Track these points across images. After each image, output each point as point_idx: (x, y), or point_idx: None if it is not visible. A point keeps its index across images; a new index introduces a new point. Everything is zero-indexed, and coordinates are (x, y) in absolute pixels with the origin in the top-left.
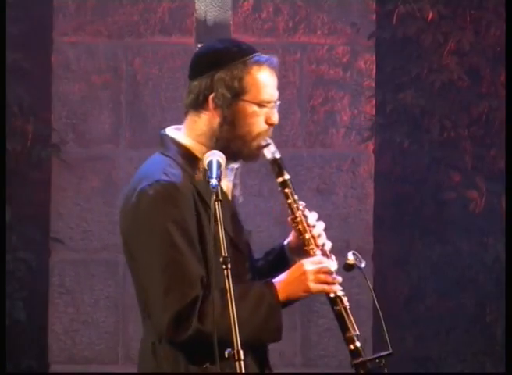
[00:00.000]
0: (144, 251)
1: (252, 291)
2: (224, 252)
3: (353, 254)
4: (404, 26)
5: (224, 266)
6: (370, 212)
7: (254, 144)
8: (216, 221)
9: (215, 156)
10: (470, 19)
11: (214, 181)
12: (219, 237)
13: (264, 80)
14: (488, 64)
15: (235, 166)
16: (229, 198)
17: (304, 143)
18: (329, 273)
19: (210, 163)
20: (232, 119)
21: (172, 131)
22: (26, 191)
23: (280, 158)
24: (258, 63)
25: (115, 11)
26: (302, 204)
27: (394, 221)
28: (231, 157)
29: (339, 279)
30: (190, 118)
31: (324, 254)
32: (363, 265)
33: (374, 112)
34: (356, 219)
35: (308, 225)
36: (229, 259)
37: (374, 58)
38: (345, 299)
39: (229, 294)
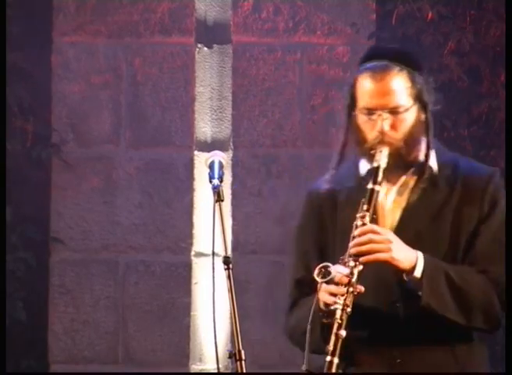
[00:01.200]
0: None
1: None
2: (225, 252)
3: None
4: (404, 26)
5: (225, 266)
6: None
7: (363, 151)
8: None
9: (217, 157)
10: (470, 19)
11: (216, 182)
12: (222, 236)
13: (363, 87)
14: (488, 64)
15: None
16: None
17: (303, 143)
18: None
19: (212, 164)
20: (350, 127)
21: None
22: (26, 191)
23: (378, 168)
24: (363, 70)
25: (115, 11)
26: (366, 215)
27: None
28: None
29: (341, 290)
30: None
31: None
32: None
33: None
34: None
35: (353, 237)
36: (230, 259)
37: None
38: (337, 313)
39: (229, 295)
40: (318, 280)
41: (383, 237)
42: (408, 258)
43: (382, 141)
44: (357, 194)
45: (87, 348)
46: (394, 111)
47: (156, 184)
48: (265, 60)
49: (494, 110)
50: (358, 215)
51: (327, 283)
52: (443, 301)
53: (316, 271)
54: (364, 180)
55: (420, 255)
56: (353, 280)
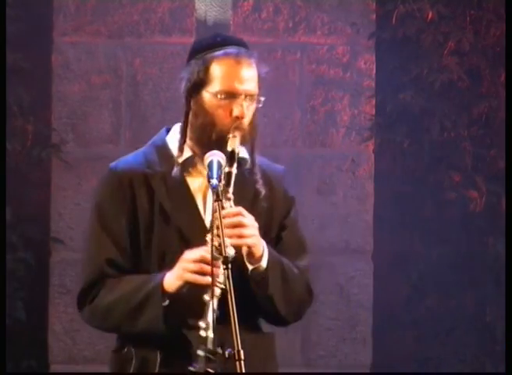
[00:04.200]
0: None
1: (145, 276)
2: (224, 252)
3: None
4: (404, 26)
5: (224, 266)
6: (370, 212)
7: (214, 135)
8: (214, 220)
9: (216, 156)
10: (470, 19)
11: (214, 181)
12: (221, 236)
13: (225, 71)
14: (488, 64)
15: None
16: (196, 194)
17: (303, 143)
18: (205, 261)
19: (210, 163)
20: (194, 109)
21: (175, 125)
22: (26, 191)
23: (234, 152)
24: (223, 55)
25: (115, 11)
26: (229, 196)
27: (394, 221)
28: (198, 149)
29: (217, 270)
30: None
31: (220, 245)
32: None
33: (374, 112)
34: (356, 219)
35: (219, 216)
36: (229, 259)
37: (374, 58)
38: (215, 290)
39: (229, 295)
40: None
41: (251, 221)
42: (260, 245)
43: (237, 126)
44: (174, 180)
45: (87, 348)
46: (252, 97)
47: None
48: (265, 60)
49: (494, 110)
50: (220, 198)
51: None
52: (279, 292)
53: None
54: (183, 166)
55: (264, 243)
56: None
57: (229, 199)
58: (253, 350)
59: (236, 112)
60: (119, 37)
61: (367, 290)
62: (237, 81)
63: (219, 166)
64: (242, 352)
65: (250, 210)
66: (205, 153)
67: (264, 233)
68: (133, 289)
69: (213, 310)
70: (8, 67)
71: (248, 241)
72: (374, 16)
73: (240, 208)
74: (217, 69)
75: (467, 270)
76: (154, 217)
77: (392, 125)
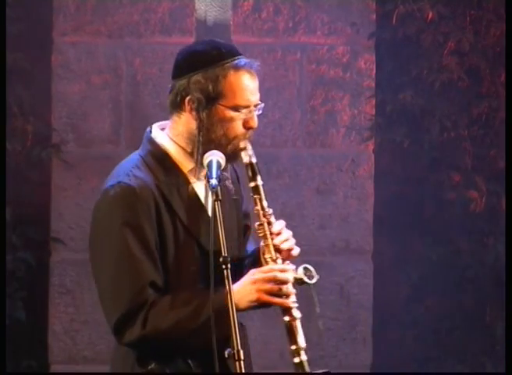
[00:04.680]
0: (97, 250)
1: (199, 296)
2: (224, 252)
3: (304, 268)
4: (404, 26)
5: (224, 266)
6: (370, 212)
7: (230, 147)
8: (216, 221)
9: (215, 156)
10: (470, 19)
11: (214, 181)
12: (219, 236)
13: (241, 85)
14: (488, 64)
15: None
16: (203, 200)
17: (303, 143)
18: (280, 283)
19: (210, 163)
20: (207, 123)
21: (155, 129)
22: (26, 191)
23: (256, 163)
24: (236, 68)
25: (115, 11)
26: (269, 211)
27: (394, 221)
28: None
29: (291, 290)
30: (172, 117)
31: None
32: (313, 280)
33: (374, 112)
34: (356, 219)
35: (271, 233)
36: (228, 259)
37: (374, 58)
38: (296, 311)
39: (229, 296)
40: (309, 281)
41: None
42: None
43: (248, 137)
44: (184, 190)
45: (87, 348)
46: (257, 108)
47: None
48: (265, 60)
49: (494, 110)
50: (264, 212)
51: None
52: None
53: (301, 271)
54: (194, 174)
55: None
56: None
57: (271, 214)
58: (244, 339)
59: (251, 123)
60: (119, 37)
61: (367, 290)
62: (250, 93)
63: (219, 165)
64: (242, 352)
65: (231, 208)
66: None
67: (238, 226)
68: (193, 311)
69: (297, 333)
70: (8, 67)
71: (298, 250)
72: (374, 16)
73: (283, 222)
74: (231, 83)
75: (467, 270)
76: (174, 227)
77: (392, 125)
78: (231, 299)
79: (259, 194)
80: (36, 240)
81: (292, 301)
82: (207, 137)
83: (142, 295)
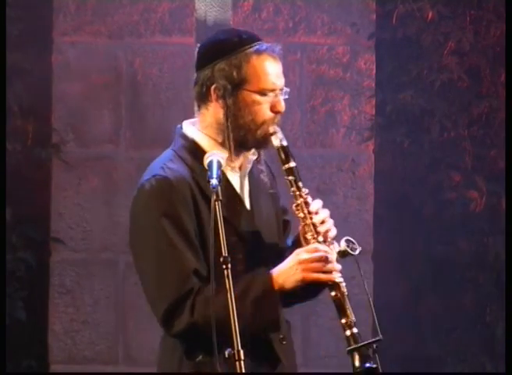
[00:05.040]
0: (139, 245)
1: (245, 278)
2: (224, 252)
3: (346, 240)
4: (404, 26)
5: (224, 266)
6: (370, 212)
7: (259, 132)
8: (216, 221)
9: (215, 156)
10: (470, 19)
11: (214, 181)
12: (219, 236)
13: (264, 69)
14: (488, 64)
15: (252, 157)
16: (239, 191)
17: (303, 143)
18: (325, 261)
19: (210, 163)
20: (234, 110)
21: (185, 125)
22: (26, 191)
23: (287, 146)
24: (258, 52)
25: (115, 11)
26: (305, 191)
27: (394, 221)
28: (240, 147)
29: (337, 267)
30: (200, 110)
31: (324, 241)
32: (357, 252)
33: (374, 112)
34: (356, 219)
35: (310, 212)
36: (229, 259)
37: (374, 58)
38: (343, 285)
39: (229, 294)
40: (353, 253)
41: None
42: None
43: (275, 121)
44: (222, 181)
45: (87, 348)
46: (283, 90)
47: None
48: None
49: (494, 110)
50: (300, 193)
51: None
52: None
53: (343, 244)
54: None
55: None
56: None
57: (307, 194)
58: (289, 333)
59: (278, 107)
60: (119, 37)
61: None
62: (275, 77)
63: (219, 165)
64: (242, 352)
65: (268, 201)
66: (243, 150)
67: (277, 220)
68: (240, 294)
69: (347, 307)
70: (8, 67)
71: (335, 230)
72: (374, 16)
73: (320, 201)
74: (255, 68)
75: (467, 270)
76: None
77: (392, 125)
78: (231, 299)
79: (294, 175)
80: (36, 240)
81: (338, 276)
82: (235, 124)
83: (187, 284)
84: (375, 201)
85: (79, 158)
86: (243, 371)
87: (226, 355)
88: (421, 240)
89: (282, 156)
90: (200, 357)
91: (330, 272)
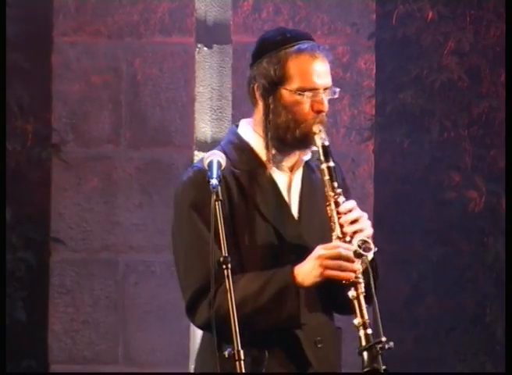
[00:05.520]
0: (173, 233)
1: (266, 273)
2: (224, 252)
3: (360, 240)
4: (404, 26)
5: (224, 266)
6: (370, 212)
7: (299, 131)
8: (216, 221)
9: (215, 156)
10: (470, 19)
11: (214, 181)
12: (219, 236)
13: (303, 68)
14: (488, 64)
15: (306, 157)
16: (285, 192)
17: None
18: (345, 259)
19: (210, 163)
20: (273, 108)
21: (242, 122)
22: (26, 191)
23: (328, 146)
24: (298, 51)
25: (115, 11)
26: (338, 191)
27: (394, 221)
28: (282, 146)
29: (357, 266)
30: (253, 109)
31: (350, 242)
32: (370, 253)
33: (374, 112)
34: None
35: (338, 213)
36: (229, 259)
37: (374, 58)
38: (361, 286)
39: (229, 295)
40: (367, 254)
41: (362, 213)
42: None
43: (320, 120)
44: (262, 177)
45: (87, 348)
46: (328, 90)
47: (156, 184)
48: None
49: (494, 110)
50: (333, 193)
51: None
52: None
53: (356, 243)
54: (271, 163)
55: None
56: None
57: (339, 194)
58: (333, 339)
59: (318, 106)
60: (119, 37)
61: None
62: (315, 76)
63: (219, 166)
64: (242, 352)
65: (322, 203)
66: (289, 150)
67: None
68: (260, 287)
69: (361, 308)
70: (8, 67)
71: (370, 231)
72: (374, 16)
73: (354, 202)
74: (294, 66)
75: (467, 270)
76: (248, 214)
77: (392, 125)
78: (231, 298)
79: (330, 175)
80: (36, 240)
81: (356, 276)
82: (274, 122)
83: (210, 275)
84: (375, 201)
85: (79, 158)
86: (244, 371)
87: (226, 355)
88: (421, 240)
89: (322, 156)
90: (230, 349)
91: (350, 270)
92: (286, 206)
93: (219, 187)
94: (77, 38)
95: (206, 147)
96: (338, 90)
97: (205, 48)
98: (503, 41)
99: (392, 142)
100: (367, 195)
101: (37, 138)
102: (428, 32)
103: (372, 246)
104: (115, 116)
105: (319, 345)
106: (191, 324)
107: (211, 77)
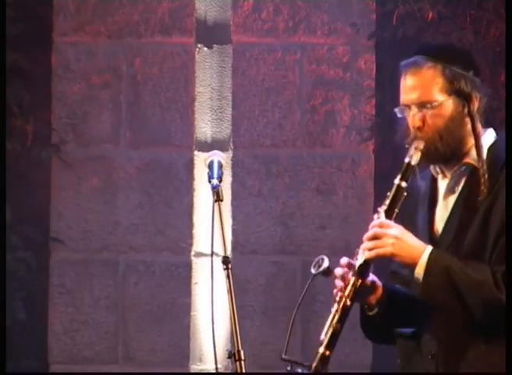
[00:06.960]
0: None
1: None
2: (224, 252)
3: (319, 259)
4: (404, 27)
5: (224, 266)
6: (370, 212)
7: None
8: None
9: (216, 156)
10: (470, 19)
11: (215, 181)
12: (221, 236)
13: (400, 85)
14: (488, 64)
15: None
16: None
17: (303, 143)
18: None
19: (211, 163)
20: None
21: None
22: (26, 191)
23: (413, 166)
24: (401, 67)
25: (115, 11)
26: (385, 208)
27: (394, 221)
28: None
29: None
30: None
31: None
32: (316, 270)
33: (374, 112)
34: (356, 219)
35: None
36: (229, 259)
37: (374, 58)
38: (348, 301)
39: (229, 295)
40: (312, 271)
41: (385, 231)
42: (411, 254)
43: (416, 136)
44: (429, 184)
45: (87, 348)
46: (423, 106)
47: (156, 184)
48: (265, 60)
49: (494, 110)
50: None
51: (325, 275)
52: (440, 300)
53: (313, 263)
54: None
55: (426, 251)
56: (351, 273)
57: (378, 212)
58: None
59: (410, 122)
60: (119, 37)
61: None
62: (403, 92)
63: (220, 165)
64: (242, 352)
65: (474, 209)
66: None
67: (481, 234)
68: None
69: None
70: (8, 67)
71: (380, 251)
72: (374, 16)
73: (382, 220)
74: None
75: None
76: (413, 219)
77: (392, 125)
78: (231, 298)
79: (392, 192)
80: (36, 240)
81: (342, 291)
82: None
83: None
84: (375, 201)
85: (79, 158)
86: (244, 371)
87: (227, 355)
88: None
89: (402, 172)
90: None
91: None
92: (440, 212)
93: (219, 188)
94: (77, 38)
95: (206, 147)
96: (431, 105)
97: (205, 48)
98: (503, 41)
99: (392, 142)
100: (367, 195)
101: (36, 138)
102: (428, 32)
103: (325, 264)
104: (115, 116)
105: (430, 357)
106: (191, 324)
107: (211, 77)
